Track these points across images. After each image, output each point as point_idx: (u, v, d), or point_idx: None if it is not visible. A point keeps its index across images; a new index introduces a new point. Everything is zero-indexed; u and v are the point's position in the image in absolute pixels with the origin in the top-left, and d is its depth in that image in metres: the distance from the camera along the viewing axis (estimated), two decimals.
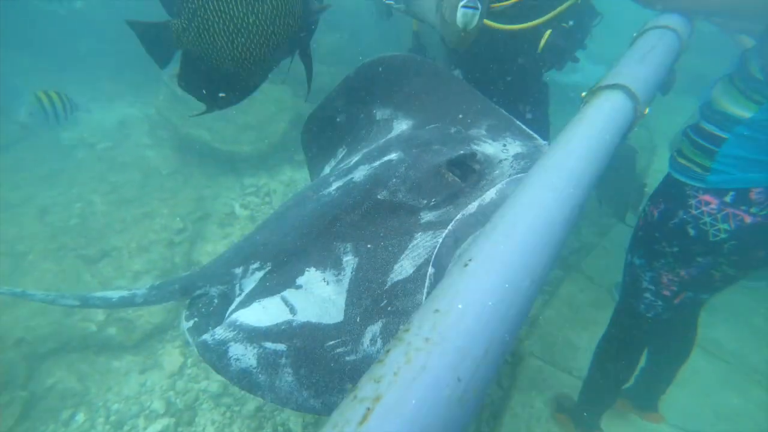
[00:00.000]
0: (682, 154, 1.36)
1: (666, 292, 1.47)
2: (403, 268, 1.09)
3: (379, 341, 0.98)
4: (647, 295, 1.51)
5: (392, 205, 1.26)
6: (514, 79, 1.90)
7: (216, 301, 1.34)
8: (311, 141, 1.88)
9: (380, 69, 1.66)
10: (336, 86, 1.77)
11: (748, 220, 1.23)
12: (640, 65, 0.92)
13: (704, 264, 1.36)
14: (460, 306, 0.37)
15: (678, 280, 1.43)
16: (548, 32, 1.77)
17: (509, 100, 1.84)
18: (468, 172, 1.26)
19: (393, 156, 1.37)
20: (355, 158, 1.51)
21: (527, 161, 1.21)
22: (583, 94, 0.92)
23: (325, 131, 1.84)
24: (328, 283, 1.20)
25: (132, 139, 4.47)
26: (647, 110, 0.88)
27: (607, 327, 1.74)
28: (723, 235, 1.27)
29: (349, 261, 1.21)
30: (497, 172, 1.24)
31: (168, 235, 3.30)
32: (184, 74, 1.29)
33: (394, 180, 1.29)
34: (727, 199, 1.25)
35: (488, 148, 1.32)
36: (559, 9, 1.75)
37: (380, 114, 1.70)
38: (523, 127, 1.34)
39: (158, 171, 4.00)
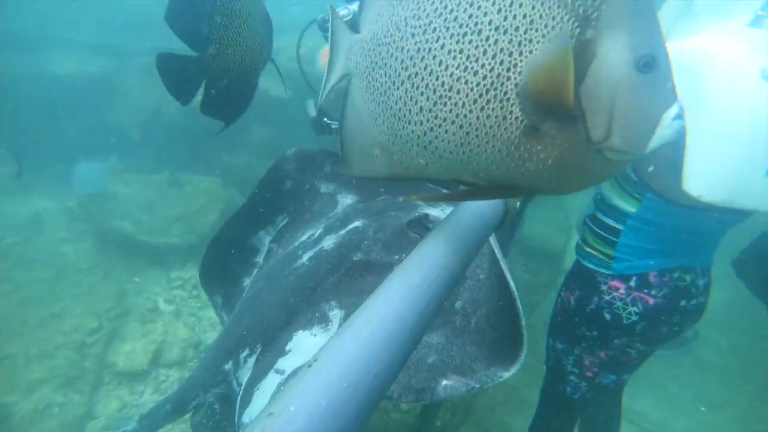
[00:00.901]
0: (587, 242, 1.50)
1: (589, 374, 1.54)
2: None
3: None
4: (572, 377, 1.57)
5: (368, 263, 1.39)
6: None
7: (217, 407, 1.28)
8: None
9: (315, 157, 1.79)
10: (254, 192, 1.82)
11: (651, 301, 1.37)
12: None
13: (620, 345, 1.47)
14: (292, 408, 0.39)
15: (599, 362, 1.51)
16: None
17: None
18: (424, 230, 1.44)
19: (358, 223, 1.54)
20: (317, 231, 1.63)
21: None
22: None
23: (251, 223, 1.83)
24: (315, 335, 1.25)
25: (46, 234, 4.21)
26: (518, 203, 0.99)
27: (536, 409, 1.77)
28: (634, 318, 1.38)
29: (336, 314, 1.29)
30: None
31: (79, 337, 3.02)
32: (206, 102, 1.54)
33: (366, 242, 1.44)
34: (632, 284, 1.38)
35: (431, 210, 1.53)
36: None
37: (324, 188, 1.86)
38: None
39: (75, 266, 3.75)
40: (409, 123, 0.62)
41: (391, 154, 0.68)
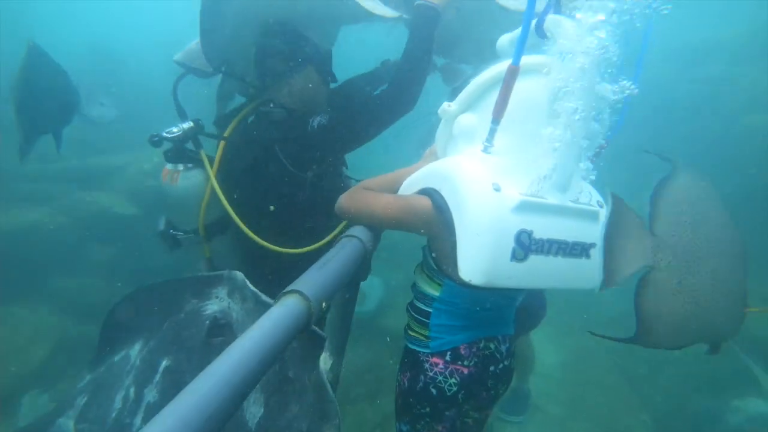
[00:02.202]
0: (410, 327, 1.67)
1: None
2: None
3: None
4: None
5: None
6: None
7: None
8: None
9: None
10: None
11: (465, 371, 1.54)
12: (317, 272, 1.22)
13: (453, 415, 1.59)
14: None
15: None
16: None
17: None
18: (222, 328, 1.48)
19: (166, 363, 1.53)
20: (131, 390, 1.57)
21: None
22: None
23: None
24: None
25: None
26: (324, 305, 1.14)
27: None
28: (455, 388, 1.53)
29: None
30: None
31: None
32: None
33: (185, 375, 1.47)
34: (447, 358, 1.55)
35: (215, 306, 1.55)
36: (335, 231, 1.96)
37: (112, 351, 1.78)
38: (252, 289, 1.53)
39: None
40: None
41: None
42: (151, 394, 1.48)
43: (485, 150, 1.39)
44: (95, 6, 15.90)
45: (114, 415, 1.55)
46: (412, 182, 1.56)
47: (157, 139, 1.86)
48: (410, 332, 1.67)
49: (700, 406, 3.93)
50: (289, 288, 1.10)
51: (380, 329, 4.30)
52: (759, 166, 5.71)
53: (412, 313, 1.67)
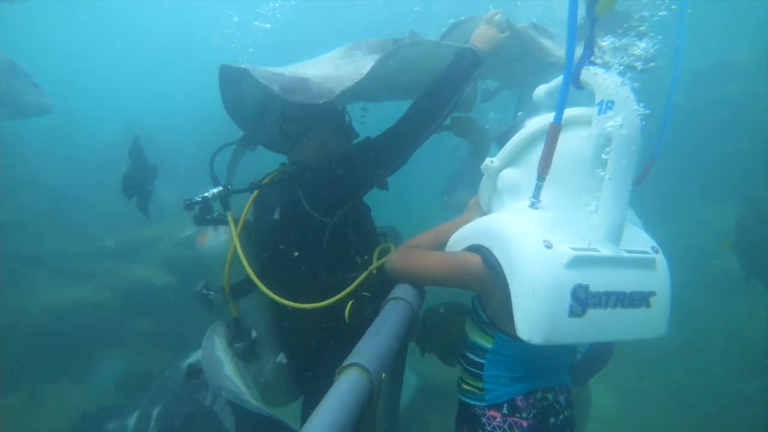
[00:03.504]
0: (463, 380, 1.62)
1: None
2: None
3: None
4: None
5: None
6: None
7: None
8: None
9: None
10: None
11: (524, 424, 1.48)
12: (373, 340, 1.21)
13: None
14: None
15: None
16: (351, 303, 1.89)
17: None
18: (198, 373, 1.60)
19: (158, 409, 1.80)
20: None
21: None
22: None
23: None
24: None
25: None
26: (384, 375, 1.13)
27: None
28: None
29: None
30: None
31: None
32: None
33: (176, 422, 1.71)
34: (505, 410, 1.49)
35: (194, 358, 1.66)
36: (356, 281, 1.90)
37: None
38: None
39: None
40: None
41: None
42: None
43: (532, 206, 1.39)
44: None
45: None
46: (461, 238, 1.56)
47: (188, 203, 1.94)
48: (464, 385, 1.62)
49: None
50: (348, 361, 1.10)
51: (426, 384, 4.19)
52: None
53: (465, 366, 1.63)
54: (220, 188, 1.98)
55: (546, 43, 2.17)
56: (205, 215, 2.00)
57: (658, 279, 1.41)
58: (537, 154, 1.36)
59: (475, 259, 1.44)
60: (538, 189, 1.37)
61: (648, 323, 1.40)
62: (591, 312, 1.27)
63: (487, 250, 1.41)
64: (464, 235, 1.55)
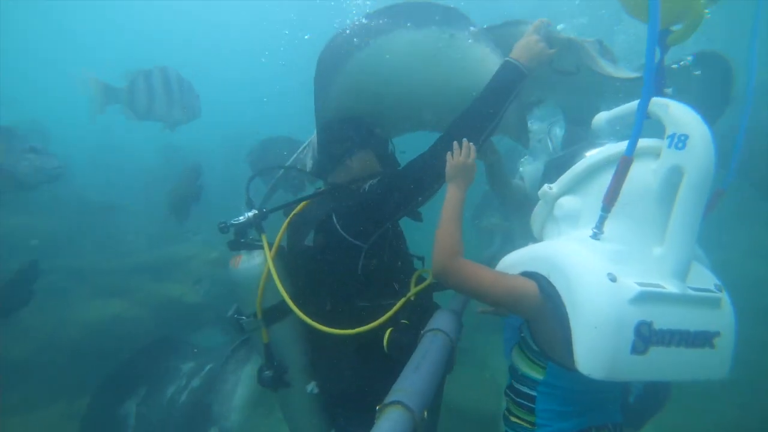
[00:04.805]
0: (511, 412, 1.56)
1: None
2: None
3: None
4: None
5: None
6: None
7: None
8: None
9: None
10: None
11: None
12: (414, 375, 1.17)
13: None
14: None
15: None
16: (389, 331, 1.80)
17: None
18: None
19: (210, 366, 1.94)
20: (182, 383, 2.56)
21: None
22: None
23: None
24: None
25: None
26: (426, 413, 1.08)
27: None
28: None
29: None
30: None
31: None
32: None
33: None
34: None
35: None
36: (395, 308, 1.81)
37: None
38: None
39: None
40: None
41: None
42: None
43: (594, 236, 1.35)
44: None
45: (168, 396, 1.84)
46: (516, 262, 1.53)
47: (223, 225, 1.93)
48: (512, 417, 1.55)
49: None
50: (390, 398, 1.05)
51: (450, 408, 4.05)
52: None
53: (514, 397, 1.56)
54: (255, 212, 1.99)
55: (604, 63, 2.02)
56: (240, 239, 1.98)
57: (723, 319, 1.34)
58: (600, 183, 1.34)
59: (531, 286, 1.40)
60: (601, 220, 1.33)
61: (711, 364, 1.33)
62: (653, 350, 1.22)
63: (545, 278, 1.36)
64: (520, 259, 1.51)
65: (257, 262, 1.94)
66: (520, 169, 2.88)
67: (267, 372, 1.97)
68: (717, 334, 1.30)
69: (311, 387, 2.01)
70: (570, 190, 1.49)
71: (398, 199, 1.90)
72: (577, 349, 1.24)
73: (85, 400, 3.64)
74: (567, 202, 1.47)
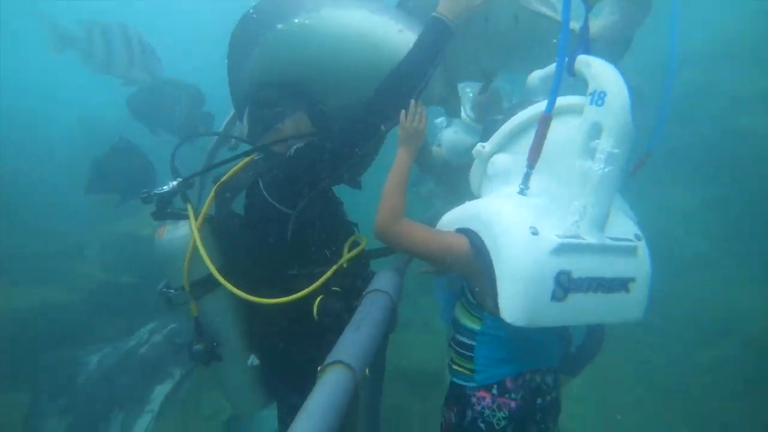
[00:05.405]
0: (453, 361, 1.65)
1: None
2: None
3: None
4: None
5: None
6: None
7: None
8: None
9: None
10: None
11: (513, 404, 1.52)
12: (354, 335, 1.20)
13: None
14: None
15: None
16: (319, 298, 1.80)
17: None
18: None
19: None
20: None
21: None
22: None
23: None
24: None
25: None
26: (367, 371, 1.12)
27: None
28: (503, 423, 1.51)
29: None
30: None
31: None
32: None
33: None
34: (494, 391, 1.53)
35: None
36: (325, 275, 1.81)
37: None
38: None
39: None
40: None
41: None
42: None
43: (521, 192, 1.42)
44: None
45: None
46: (452, 220, 1.59)
47: (146, 195, 1.83)
48: (455, 367, 1.64)
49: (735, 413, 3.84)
50: (330, 359, 1.08)
51: (396, 371, 4.23)
52: (749, 167, 5.83)
53: (456, 348, 1.65)
54: (180, 180, 1.87)
55: (542, 8, 1.94)
56: (164, 209, 1.88)
57: (638, 266, 1.45)
58: (528, 141, 1.38)
59: (463, 242, 1.47)
60: (527, 176, 1.40)
61: (626, 308, 1.45)
62: (572, 297, 1.31)
63: (475, 234, 1.43)
64: (455, 217, 1.57)
65: (182, 233, 1.86)
66: (438, 135, 2.92)
67: (197, 346, 1.92)
68: (632, 279, 1.42)
69: (251, 360, 1.98)
70: (502, 148, 1.55)
71: (325, 163, 1.84)
72: (501, 300, 1.32)
73: (24, 393, 3.48)
74: (498, 159, 1.53)
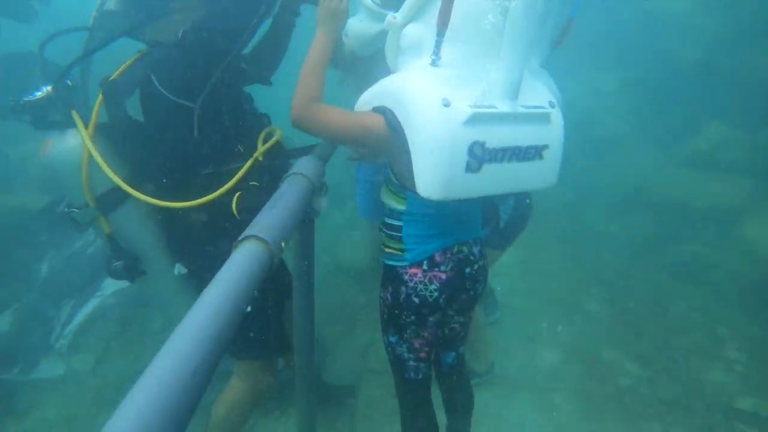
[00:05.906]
0: (385, 244, 1.71)
1: (423, 354, 1.74)
2: None
3: None
4: (410, 363, 1.76)
5: None
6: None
7: None
8: None
9: None
10: None
11: (443, 276, 1.61)
12: (269, 212, 1.16)
13: (437, 321, 1.70)
14: None
15: (425, 341, 1.71)
16: (237, 195, 1.74)
17: None
18: None
19: None
20: None
21: None
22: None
23: None
24: None
25: None
26: (283, 244, 1.10)
27: (399, 406, 1.90)
28: (435, 294, 1.61)
29: None
30: None
31: None
32: None
33: None
34: (425, 267, 1.60)
35: None
36: (242, 171, 1.75)
37: None
38: None
39: None
40: None
41: None
42: None
43: (433, 63, 1.35)
44: None
45: None
46: (368, 99, 1.52)
47: (14, 104, 1.59)
48: (386, 249, 1.70)
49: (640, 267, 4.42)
50: (244, 234, 1.04)
51: (342, 268, 4.37)
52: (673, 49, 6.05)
53: (385, 231, 1.70)
54: (52, 85, 1.63)
55: None
56: (43, 119, 1.66)
57: (551, 132, 1.46)
58: (438, 7, 1.28)
59: (378, 120, 1.41)
60: (438, 46, 1.32)
61: (540, 175, 1.49)
62: (487, 167, 1.32)
63: (390, 110, 1.37)
64: (371, 96, 1.50)
65: (72, 145, 1.67)
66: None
67: (116, 263, 1.83)
68: (546, 146, 1.45)
69: (178, 268, 1.92)
70: (414, 17, 1.45)
71: (218, 46, 1.67)
72: (416, 175, 1.31)
73: None
74: (410, 30, 1.43)
